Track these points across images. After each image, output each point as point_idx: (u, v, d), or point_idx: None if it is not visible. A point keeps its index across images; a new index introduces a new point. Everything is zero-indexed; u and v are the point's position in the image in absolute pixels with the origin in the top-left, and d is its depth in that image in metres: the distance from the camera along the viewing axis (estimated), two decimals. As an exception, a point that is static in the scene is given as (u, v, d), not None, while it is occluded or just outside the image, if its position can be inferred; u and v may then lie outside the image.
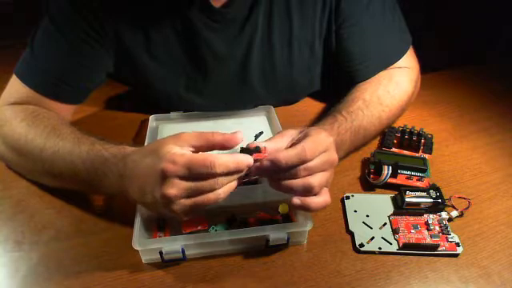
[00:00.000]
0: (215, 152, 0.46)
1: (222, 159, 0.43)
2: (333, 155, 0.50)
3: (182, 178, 0.44)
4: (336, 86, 0.77)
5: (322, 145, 0.49)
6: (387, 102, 0.68)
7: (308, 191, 0.48)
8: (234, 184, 0.46)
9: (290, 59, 0.73)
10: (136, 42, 0.67)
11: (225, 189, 0.45)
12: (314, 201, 0.49)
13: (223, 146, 0.47)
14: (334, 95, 0.71)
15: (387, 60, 0.73)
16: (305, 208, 0.49)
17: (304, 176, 0.47)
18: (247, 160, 0.46)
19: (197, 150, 0.47)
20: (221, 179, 0.44)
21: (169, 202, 0.44)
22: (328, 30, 0.71)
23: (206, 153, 0.45)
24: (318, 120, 0.64)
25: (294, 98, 0.83)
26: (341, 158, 0.62)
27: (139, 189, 0.47)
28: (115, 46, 0.67)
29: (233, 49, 0.70)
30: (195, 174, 0.43)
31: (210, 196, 0.45)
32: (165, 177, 0.43)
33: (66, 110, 0.68)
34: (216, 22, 0.67)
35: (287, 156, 0.46)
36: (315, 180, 0.48)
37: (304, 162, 0.47)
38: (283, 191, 0.49)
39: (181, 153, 0.44)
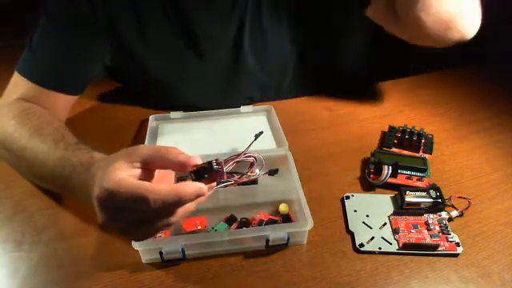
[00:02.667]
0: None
1: (157, 194, 0.38)
2: None
3: (119, 208, 0.40)
4: (332, 83, 0.77)
5: None
6: None
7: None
8: (189, 207, 0.41)
9: (280, 34, 0.74)
10: (131, 31, 0.68)
11: (177, 214, 0.40)
12: None
13: (176, 168, 0.42)
14: (334, 96, 0.71)
15: None
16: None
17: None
18: (194, 192, 0.39)
19: (149, 166, 0.42)
20: (162, 212, 0.40)
21: (112, 226, 0.42)
22: None
23: (144, 185, 0.38)
24: (321, 119, 0.63)
25: (288, 82, 0.83)
26: None
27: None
28: (110, 35, 0.67)
29: (225, 29, 0.70)
30: (128, 205, 0.39)
31: (157, 223, 0.40)
32: (100, 205, 0.40)
33: (66, 102, 0.69)
34: (206, 2, 0.68)
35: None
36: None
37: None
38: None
39: (118, 178, 0.39)
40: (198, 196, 0.40)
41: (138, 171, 0.41)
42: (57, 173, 0.52)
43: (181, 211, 0.41)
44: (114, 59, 0.71)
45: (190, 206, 0.42)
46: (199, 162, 0.42)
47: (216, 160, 0.42)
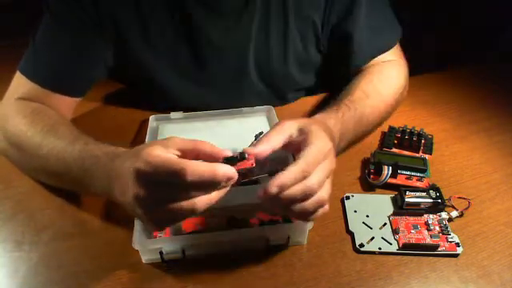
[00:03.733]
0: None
1: (195, 167, 0.40)
2: (332, 163, 0.49)
3: (154, 181, 0.41)
4: (332, 81, 0.77)
5: (322, 154, 0.47)
6: (384, 94, 0.70)
7: (321, 206, 0.47)
8: (213, 196, 0.42)
9: (285, 52, 0.73)
10: (134, 32, 0.67)
11: (202, 200, 0.42)
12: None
13: (209, 158, 0.44)
14: (334, 96, 0.71)
15: (380, 47, 0.74)
16: (308, 219, 0.48)
17: (314, 197, 0.45)
18: (227, 172, 0.41)
19: (183, 155, 0.44)
20: (194, 191, 0.41)
21: (140, 204, 0.42)
22: (323, 21, 0.72)
23: (183, 160, 0.41)
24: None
25: (292, 96, 0.83)
26: (343, 149, 0.63)
27: (120, 189, 0.44)
28: (114, 37, 0.67)
29: (230, 39, 0.70)
30: (165, 177, 0.40)
31: (183, 205, 0.41)
32: (137, 176, 0.41)
33: (69, 104, 0.69)
34: (213, 11, 0.67)
35: (291, 176, 0.44)
36: (325, 193, 0.46)
37: (307, 176, 0.45)
38: (296, 217, 0.47)
39: (157, 153, 0.41)
40: (229, 179, 0.42)
41: (174, 155, 0.43)
42: (75, 166, 0.52)
43: (207, 197, 0.42)
44: (117, 60, 0.71)
45: (213, 196, 0.42)
46: (229, 154, 0.44)
47: (247, 152, 0.45)
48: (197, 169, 0.40)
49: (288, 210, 0.45)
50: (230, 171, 0.42)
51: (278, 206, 0.45)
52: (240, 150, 0.48)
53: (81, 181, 0.52)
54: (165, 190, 0.41)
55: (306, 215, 0.47)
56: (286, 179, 0.43)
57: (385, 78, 0.72)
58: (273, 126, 0.50)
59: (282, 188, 0.43)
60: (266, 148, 0.46)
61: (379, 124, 0.71)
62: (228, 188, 0.44)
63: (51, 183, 0.60)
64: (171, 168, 0.40)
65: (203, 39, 0.69)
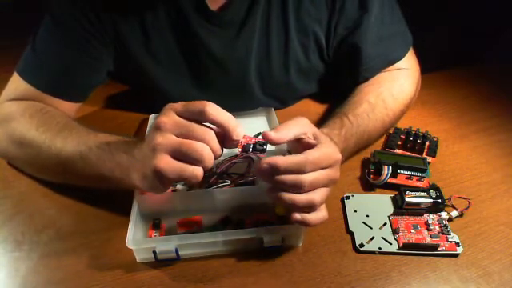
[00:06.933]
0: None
1: (215, 107, 0.45)
2: (336, 173, 0.49)
3: (176, 122, 0.45)
4: (335, 87, 0.77)
5: (327, 160, 0.47)
6: (391, 106, 0.68)
7: (310, 207, 0.47)
8: (219, 150, 0.46)
9: (286, 63, 0.73)
10: (136, 42, 0.67)
11: (211, 145, 0.45)
12: (313, 217, 0.48)
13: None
14: (334, 96, 0.71)
15: (389, 59, 0.73)
16: (305, 223, 0.48)
17: (307, 191, 0.46)
18: (240, 131, 0.45)
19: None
20: (207, 135, 0.45)
21: (160, 148, 0.44)
22: (327, 33, 0.71)
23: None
24: (322, 120, 0.64)
25: (293, 102, 0.83)
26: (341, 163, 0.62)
27: (141, 159, 0.47)
28: (115, 45, 0.67)
29: (231, 52, 0.70)
30: (189, 111, 0.45)
31: (197, 146, 0.44)
32: (159, 127, 0.45)
33: (70, 107, 0.69)
34: (213, 25, 0.67)
35: (286, 163, 0.45)
36: (318, 196, 0.47)
37: (301, 173, 0.45)
38: (284, 205, 0.48)
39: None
40: (236, 137, 0.45)
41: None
42: (95, 146, 0.53)
43: (213, 147, 0.45)
44: (117, 66, 0.70)
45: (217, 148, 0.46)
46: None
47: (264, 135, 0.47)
48: (216, 107, 0.45)
49: (277, 194, 0.47)
50: (240, 133, 0.46)
51: (268, 179, 0.47)
52: (238, 151, 0.48)
53: (97, 161, 0.53)
54: (184, 127, 0.45)
55: (294, 208, 0.47)
56: (279, 161, 0.45)
57: (396, 89, 0.70)
58: (291, 119, 0.50)
59: (272, 167, 0.45)
60: (276, 136, 0.47)
61: (382, 135, 0.70)
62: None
63: (58, 180, 0.60)
64: (192, 104, 0.45)
65: (204, 51, 0.69)
